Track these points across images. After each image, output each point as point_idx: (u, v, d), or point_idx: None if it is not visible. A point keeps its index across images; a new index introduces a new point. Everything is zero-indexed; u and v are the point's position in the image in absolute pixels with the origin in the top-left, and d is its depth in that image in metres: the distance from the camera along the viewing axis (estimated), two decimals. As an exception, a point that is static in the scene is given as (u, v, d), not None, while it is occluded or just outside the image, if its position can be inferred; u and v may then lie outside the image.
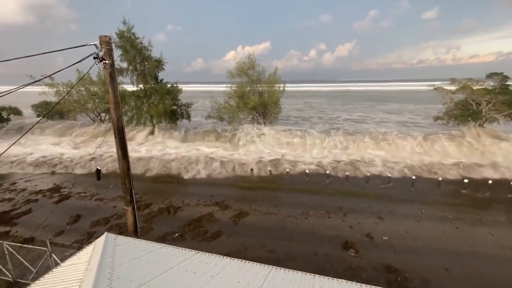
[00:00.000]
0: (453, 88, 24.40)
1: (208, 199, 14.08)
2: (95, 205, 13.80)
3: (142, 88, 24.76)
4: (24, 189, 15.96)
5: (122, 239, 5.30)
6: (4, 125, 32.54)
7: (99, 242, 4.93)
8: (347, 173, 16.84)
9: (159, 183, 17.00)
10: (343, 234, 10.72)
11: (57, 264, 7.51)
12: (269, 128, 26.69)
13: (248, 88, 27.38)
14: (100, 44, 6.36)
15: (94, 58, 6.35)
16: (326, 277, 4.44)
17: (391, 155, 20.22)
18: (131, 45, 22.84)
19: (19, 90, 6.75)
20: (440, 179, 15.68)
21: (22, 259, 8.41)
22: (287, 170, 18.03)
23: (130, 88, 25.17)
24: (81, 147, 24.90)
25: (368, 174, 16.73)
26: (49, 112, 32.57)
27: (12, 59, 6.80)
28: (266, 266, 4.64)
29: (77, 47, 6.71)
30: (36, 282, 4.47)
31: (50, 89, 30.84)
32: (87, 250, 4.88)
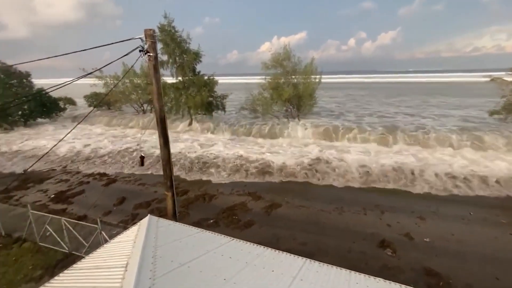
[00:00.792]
0: None
1: (241, 189, 14.38)
2: (138, 189, 14.88)
3: (181, 80, 25.76)
4: (78, 172, 17.76)
5: (163, 221, 5.65)
6: (62, 114, 36.26)
7: (143, 223, 5.31)
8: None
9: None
10: (379, 232, 10.26)
11: (106, 241, 8.28)
12: (307, 122, 26.12)
13: (282, 80, 27.08)
14: (145, 37, 6.71)
15: (140, 51, 6.73)
16: (362, 274, 4.31)
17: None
18: (171, 39, 23.73)
19: (74, 82, 7.44)
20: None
21: (77, 234, 9.40)
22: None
23: (170, 80, 26.33)
24: (126, 135, 26.90)
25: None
26: (100, 102, 35.49)
27: (68, 54, 7.48)
28: (300, 258, 4.63)
29: (124, 41, 7.16)
30: (90, 255, 4.98)
31: (99, 81, 33.55)
32: (133, 230, 5.29)
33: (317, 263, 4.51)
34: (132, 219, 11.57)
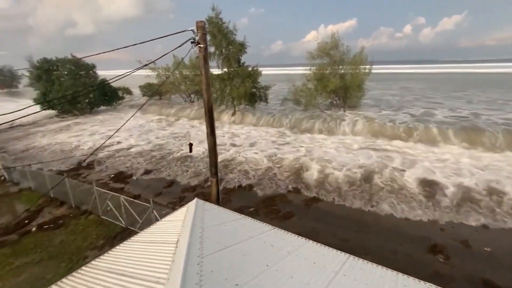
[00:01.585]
0: None
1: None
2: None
3: (226, 71, 26.39)
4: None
5: (209, 205, 5.97)
6: (120, 103, 40.00)
7: (191, 205, 5.67)
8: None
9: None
10: (431, 237, 9.47)
11: (157, 219, 9.07)
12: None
13: (328, 70, 26.03)
14: (197, 29, 6.98)
15: (192, 42, 7.04)
16: (411, 277, 4.07)
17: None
18: (218, 30, 24.33)
19: (132, 73, 8.13)
20: None
21: (132, 211, 10.44)
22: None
23: (216, 71, 27.16)
24: (176, 124, 28.71)
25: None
26: (155, 92, 38.25)
27: (126, 47, 8.16)
28: (343, 253, 4.53)
29: (178, 33, 7.54)
30: (144, 230, 5.52)
31: (153, 73, 36.09)
32: (182, 211, 5.69)
33: (361, 260, 4.37)
34: (179, 201, 12.42)
